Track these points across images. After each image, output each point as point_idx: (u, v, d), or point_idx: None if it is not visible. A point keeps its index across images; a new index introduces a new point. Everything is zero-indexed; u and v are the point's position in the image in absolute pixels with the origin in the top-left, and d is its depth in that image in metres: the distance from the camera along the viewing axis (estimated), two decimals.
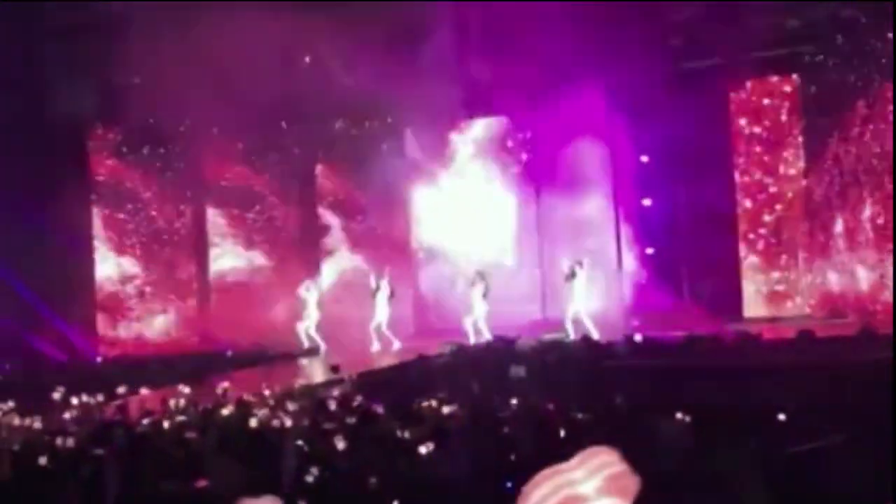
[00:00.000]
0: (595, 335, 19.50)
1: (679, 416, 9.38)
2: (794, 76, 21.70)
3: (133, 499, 6.80)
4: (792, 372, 13.88)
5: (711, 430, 8.35)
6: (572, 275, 20.62)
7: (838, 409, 9.84)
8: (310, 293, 21.94)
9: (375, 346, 21.01)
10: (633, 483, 1.44)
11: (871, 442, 9.26)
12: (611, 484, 1.43)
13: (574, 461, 1.47)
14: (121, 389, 16.20)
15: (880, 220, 19.42)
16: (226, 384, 15.26)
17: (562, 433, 8.92)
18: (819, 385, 11.67)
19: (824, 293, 21.32)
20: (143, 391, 16.53)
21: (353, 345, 21.16)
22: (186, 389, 14.80)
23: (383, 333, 21.23)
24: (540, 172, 23.90)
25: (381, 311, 21.31)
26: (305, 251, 24.65)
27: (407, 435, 9.22)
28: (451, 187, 24.39)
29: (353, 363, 18.69)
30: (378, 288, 21.44)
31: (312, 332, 21.69)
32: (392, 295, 21.51)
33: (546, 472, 1.48)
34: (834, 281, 20.94)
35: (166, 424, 11.31)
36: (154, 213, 24.64)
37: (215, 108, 20.92)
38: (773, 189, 22.74)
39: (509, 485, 7.07)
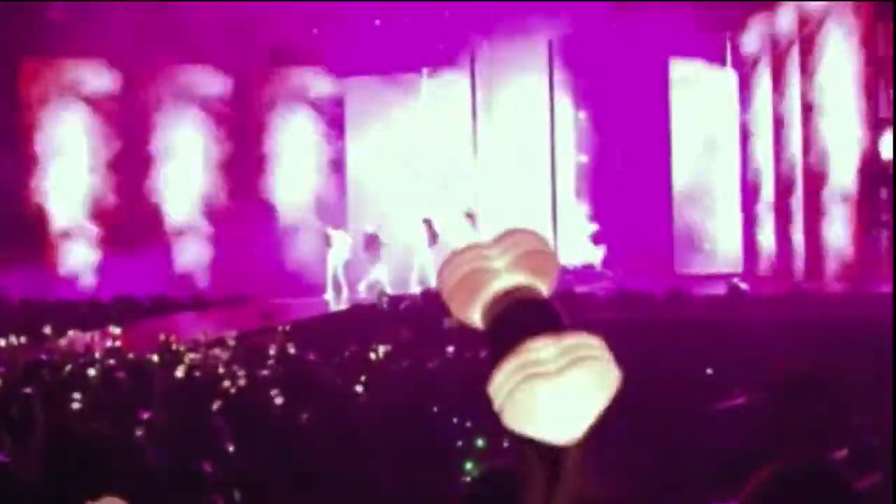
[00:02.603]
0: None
1: None
2: (731, 37, 21.80)
3: (63, 438, 6.75)
4: (721, 328, 14.08)
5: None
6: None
7: (763, 366, 9.99)
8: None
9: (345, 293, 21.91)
10: (549, 262, 1.41)
11: (794, 399, 9.44)
12: (524, 261, 1.40)
13: (491, 240, 1.44)
14: (48, 330, 15.93)
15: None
16: (158, 329, 15.12)
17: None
18: (747, 342, 11.83)
19: (756, 252, 21.65)
20: (72, 333, 16.27)
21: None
22: (117, 330, 14.64)
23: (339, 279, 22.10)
24: (481, 123, 23.81)
25: (339, 258, 22.09)
26: None
27: (338, 381, 9.23)
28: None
29: (287, 311, 18.63)
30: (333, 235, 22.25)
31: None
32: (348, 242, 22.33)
33: (461, 247, 1.46)
34: (765, 240, 21.24)
35: (95, 366, 11.18)
36: None
37: None
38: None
39: (455, 420, 7.18)
